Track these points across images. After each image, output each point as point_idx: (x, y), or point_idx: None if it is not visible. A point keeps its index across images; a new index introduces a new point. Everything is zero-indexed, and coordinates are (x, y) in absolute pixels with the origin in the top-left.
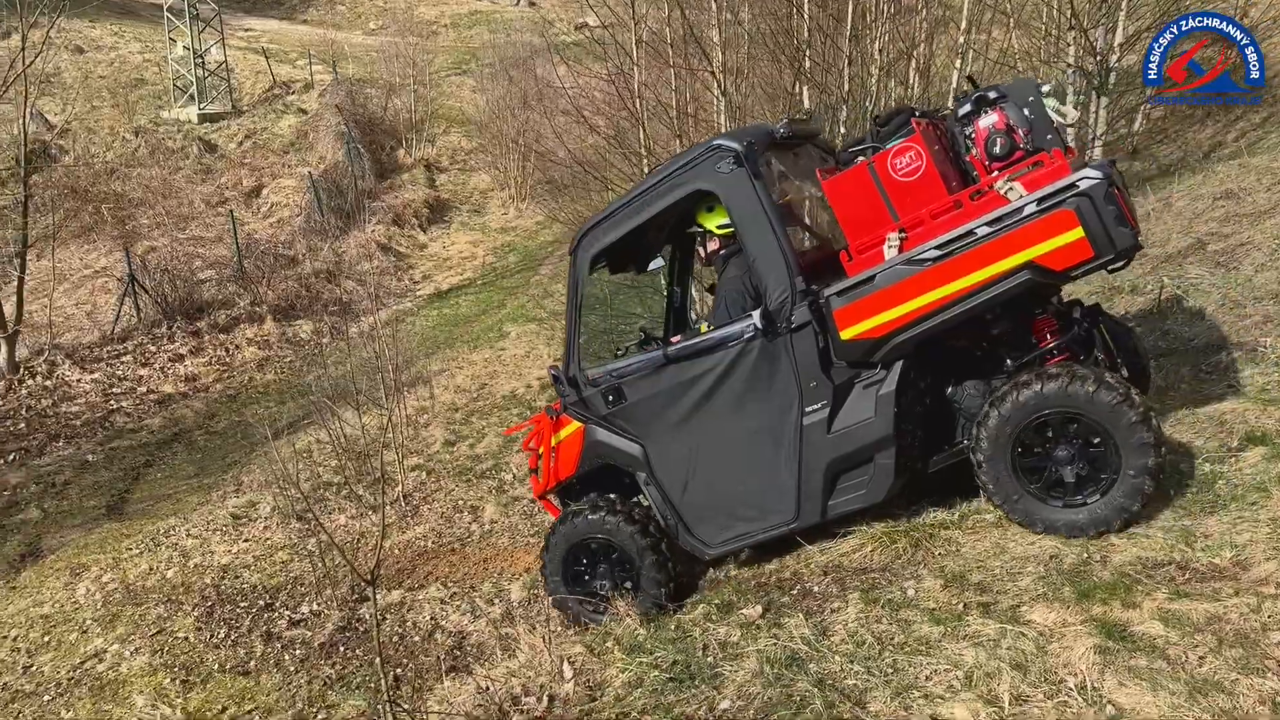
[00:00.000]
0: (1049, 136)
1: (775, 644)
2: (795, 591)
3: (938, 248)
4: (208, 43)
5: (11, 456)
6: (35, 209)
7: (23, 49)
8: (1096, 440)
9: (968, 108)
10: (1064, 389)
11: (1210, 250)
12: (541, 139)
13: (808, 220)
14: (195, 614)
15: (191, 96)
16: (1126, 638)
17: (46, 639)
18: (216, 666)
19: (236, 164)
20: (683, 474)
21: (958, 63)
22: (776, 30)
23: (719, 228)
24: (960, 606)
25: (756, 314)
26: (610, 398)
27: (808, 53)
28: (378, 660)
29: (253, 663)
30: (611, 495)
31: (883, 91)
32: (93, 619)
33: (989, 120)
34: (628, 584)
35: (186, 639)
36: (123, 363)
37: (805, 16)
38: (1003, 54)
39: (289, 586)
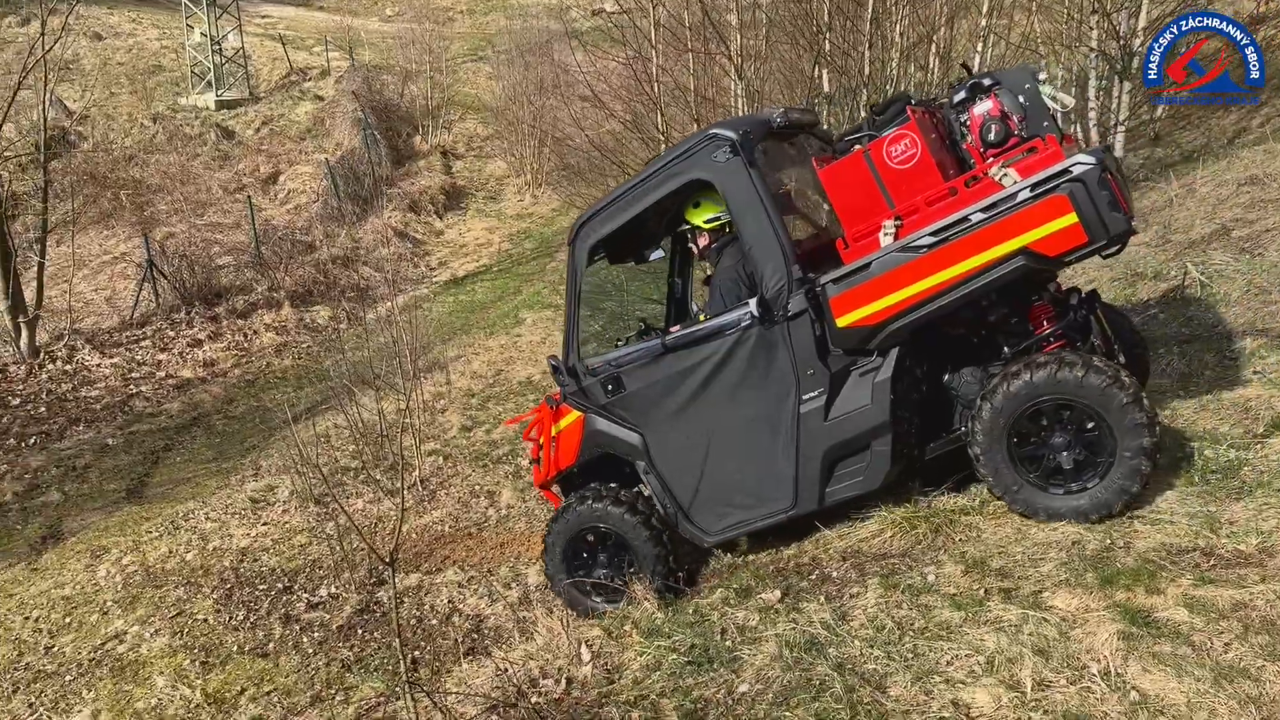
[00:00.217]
0: (1045, 124)
1: (794, 628)
2: (814, 576)
3: (932, 234)
4: (225, 29)
5: (32, 440)
6: (55, 195)
7: (42, 35)
8: (1091, 425)
9: (962, 95)
10: (1053, 376)
11: (1235, 236)
12: (558, 125)
13: (805, 209)
14: (214, 596)
15: (209, 83)
16: (1150, 624)
17: (68, 620)
18: (235, 648)
19: (254, 150)
20: (682, 462)
21: (979, 46)
22: (796, 14)
23: (706, 222)
24: (981, 592)
25: (753, 302)
26: (609, 387)
27: (828, 36)
28: (397, 641)
29: (271, 645)
30: (612, 484)
31: (903, 76)
32: (113, 601)
33: (984, 107)
34: (628, 573)
35: (206, 621)
36: (142, 348)
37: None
38: (1024, 38)
39: (307, 570)
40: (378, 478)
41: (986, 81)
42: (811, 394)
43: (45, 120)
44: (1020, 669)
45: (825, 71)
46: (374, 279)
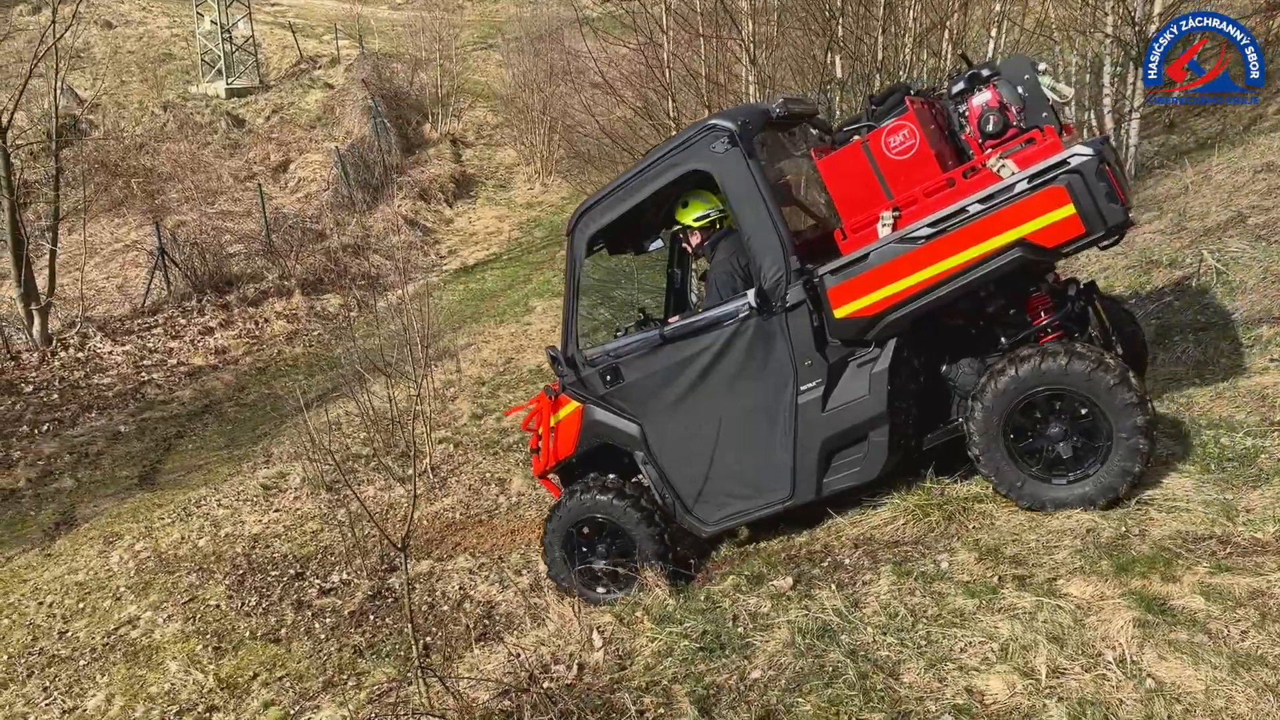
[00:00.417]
0: (1044, 114)
1: (806, 615)
2: (826, 564)
3: (930, 225)
4: (235, 17)
5: (45, 427)
6: (66, 183)
7: (53, 23)
8: (1084, 411)
9: (961, 85)
10: (1038, 368)
11: (1251, 223)
12: (567, 113)
13: (804, 200)
14: (227, 582)
15: (219, 71)
16: (1166, 611)
17: (81, 605)
18: (248, 634)
19: (264, 139)
20: (680, 453)
21: (993, 32)
22: None
23: (695, 220)
24: (995, 579)
25: (751, 293)
26: (608, 378)
27: (840, 21)
28: (409, 626)
29: (283, 630)
30: (611, 475)
31: (915, 62)
32: (126, 586)
33: (982, 98)
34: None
35: (218, 607)
36: (153, 335)
37: None
38: (1039, 23)
39: (319, 556)
40: (389, 465)
41: (985, 72)
42: (809, 385)
43: (57, 108)
44: (1034, 656)
45: (838, 57)
46: (384, 267)
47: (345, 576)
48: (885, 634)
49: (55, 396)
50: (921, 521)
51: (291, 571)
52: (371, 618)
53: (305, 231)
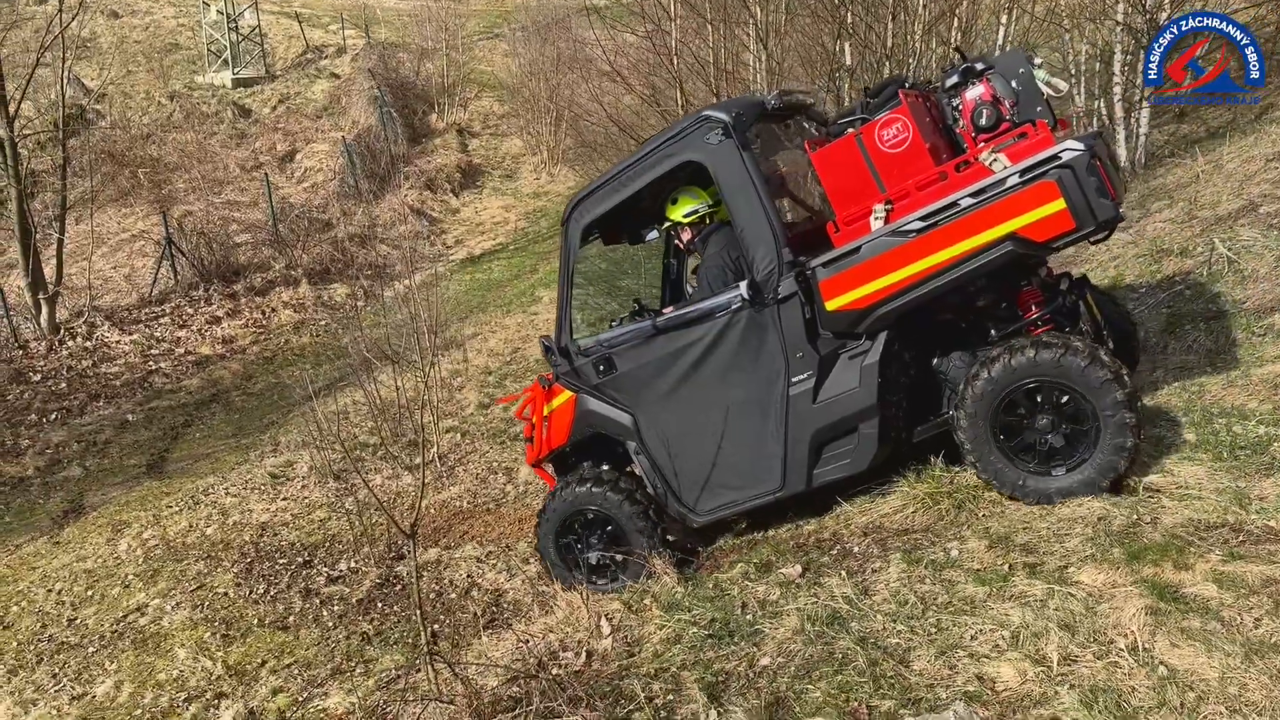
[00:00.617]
0: (1039, 109)
1: (816, 602)
2: (835, 552)
3: (921, 219)
4: (241, 7)
5: (53, 415)
6: (73, 173)
7: (60, 12)
8: (1065, 399)
9: (955, 79)
10: (1008, 366)
11: (1262, 212)
12: (574, 103)
13: (799, 191)
14: (235, 570)
15: (225, 61)
16: (1178, 599)
17: (90, 593)
18: (256, 621)
19: (270, 129)
20: (672, 443)
21: (1003, 19)
22: None
23: (685, 216)
24: (1006, 567)
25: (744, 284)
26: (601, 368)
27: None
28: (418, 613)
29: (291, 618)
30: (604, 465)
31: (925, 50)
32: (134, 574)
33: (975, 92)
34: (614, 556)
35: (226, 594)
36: (161, 324)
37: None
38: (1049, 11)
39: (327, 544)
40: (396, 454)
41: (979, 66)
42: (800, 376)
43: (64, 98)
44: (1046, 643)
45: (847, 45)
46: (391, 257)
47: (353, 564)
48: (895, 621)
49: (63, 385)
50: (931, 509)
51: (299, 559)
52: (379, 605)
53: (312, 221)
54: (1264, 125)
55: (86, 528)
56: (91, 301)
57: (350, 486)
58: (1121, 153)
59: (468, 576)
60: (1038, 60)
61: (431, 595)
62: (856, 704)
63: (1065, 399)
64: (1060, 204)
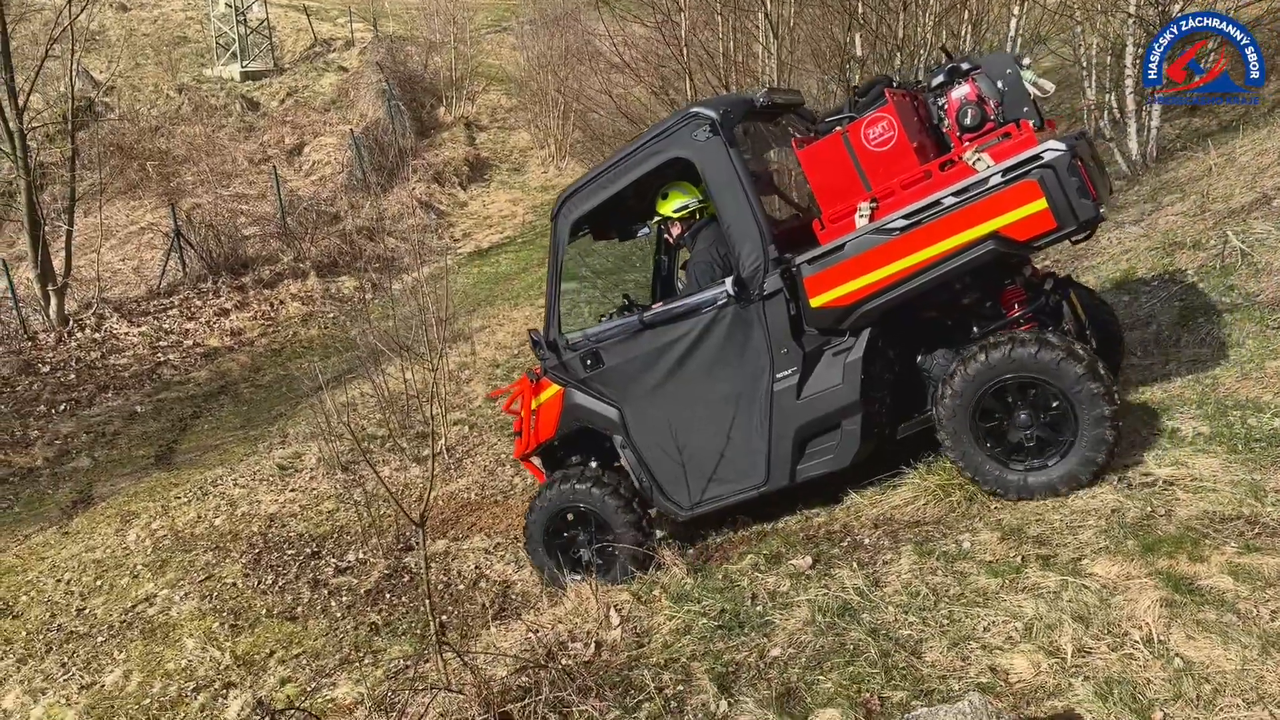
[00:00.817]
0: (1025, 109)
1: (826, 594)
2: (846, 544)
3: (905, 217)
4: (249, 0)
5: (62, 406)
6: (82, 165)
7: (68, 4)
8: (1033, 391)
9: (941, 79)
10: (985, 363)
11: (1276, 205)
12: (582, 96)
13: (786, 189)
14: (243, 561)
15: (234, 54)
16: (1194, 591)
17: (99, 583)
18: (264, 611)
19: (278, 121)
20: (658, 437)
21: (1015, 10)
22: None
23: (675, 212)
24: (1018, 559)
25: (729, 280)
26: (588, 362)
27: None
28: (427, 601)
29: (300, 608)
30: (592, 459)
31: (935, 43)
32: (143, 564)
33: (960, 91)
34: (606, 551)
35: (234, 585)
36: (169, 316)
37: None
38: (1061, 3)
39: (335, 535)
40: (403, 446)
41: (965, 66)
42: (785, 372)
43: (72, 90)
44: (1060, 635)
45: (858, 36)
46: (399, 250)
47: (361, 555)
48: (907, 613)
49: (72, 376)
50: (942, 501)
51: (308, 550)
52: (387, 596)
53: (320, 214)
54: (1277, 118)
55: (95, 518)
56: (100, 293)
57: (358, 478)
58: (1133, 146)
59: (476, 568)
60: (1026, 61)
61: (439, 586)
62: (869, 695)
63: (1043, 394)
64: (1042, 203)
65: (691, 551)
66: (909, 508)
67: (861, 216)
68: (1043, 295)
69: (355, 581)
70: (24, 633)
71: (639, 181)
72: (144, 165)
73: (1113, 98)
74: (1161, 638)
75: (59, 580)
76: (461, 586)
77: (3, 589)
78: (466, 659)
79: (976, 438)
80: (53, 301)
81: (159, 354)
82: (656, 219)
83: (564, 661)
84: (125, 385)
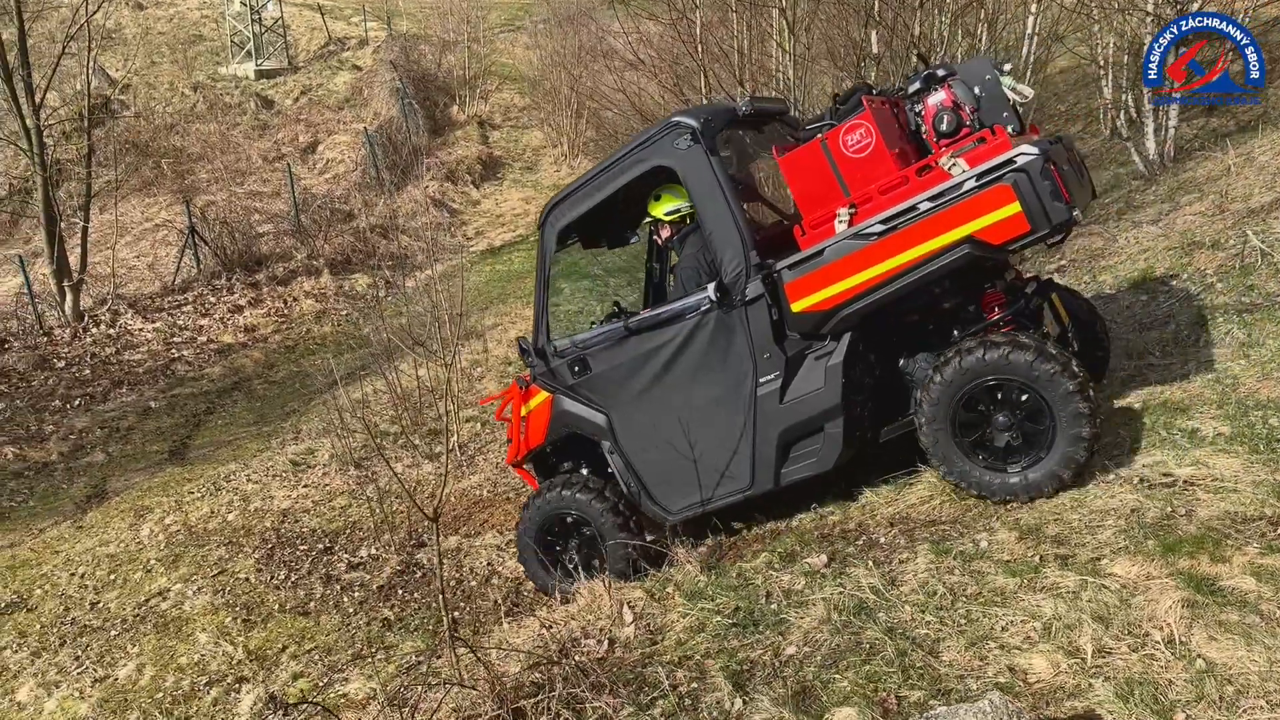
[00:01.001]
0: (1005, 114)
1: (842, 592)
2: (861, 542)
3: (882, 222)
4: None
5: (77, 401)
6: (98, 162)
7: (85, 1)
8: (1010, 393)
9: (917, 85)
10: (959, 368)
11: None
12: (595, 94)
13: (770, 196)
14: (256, 556)
15: (248, 52)
16: (1216, 592)
17: (112, 577)
18: (277, 606)
19: (293, 120)
20: (645, 442)
21: (1033, 7)
22: None
23: (666, 214)
24: (1036, 559)
25: (711, 286)
26: (576, 368)
27: None
28: (440, 596)
29: (312, 604)
30: (583, 466)
31: (952, 41)
32: (156, 559)
33: (936, 98)
34: (595, 558)
35: (247, 580)
36: (183, 313)
37: None
38: (1079, 2)
39: (347, 531)
40: (416, 443)
41: (940, 72)
42: (768, 377)
43: (89, 88)
44: (1079, 635)
45: (874, 33)
46: (411, 248)
47: (373, 551)
48: (924, 612)
49: (87, 372)
50: (959, 501)
51: (320, 546)
52: (400, 592)
53: (333, 212)
54: None
55: (109, 513)
56: (115, 289)
57: (371, 474)
58: (1150, 146)
59: (488, 564)
60: (1007, 67)
61: (452, 583)
62: (885, 694)
63: (1021, 395)
64: (1015, 207)
65: (704, 549)
66: (925, 506)
67: (841, 222)
68: (1022, 298)
69: (367, 577)
70: (38, 626)
71: (626, 189)
72: (159, 163)
73: (1129, 97)
74: (1183, 639)
75: (73, 574)
76: (474, 583)
77: (18, 582)
78: (480, 653)
79: (957, 442)
80: (68, 297)
81: (173, 350)
82: (647, 220)
83: (577, 658)
84: (139, 381)
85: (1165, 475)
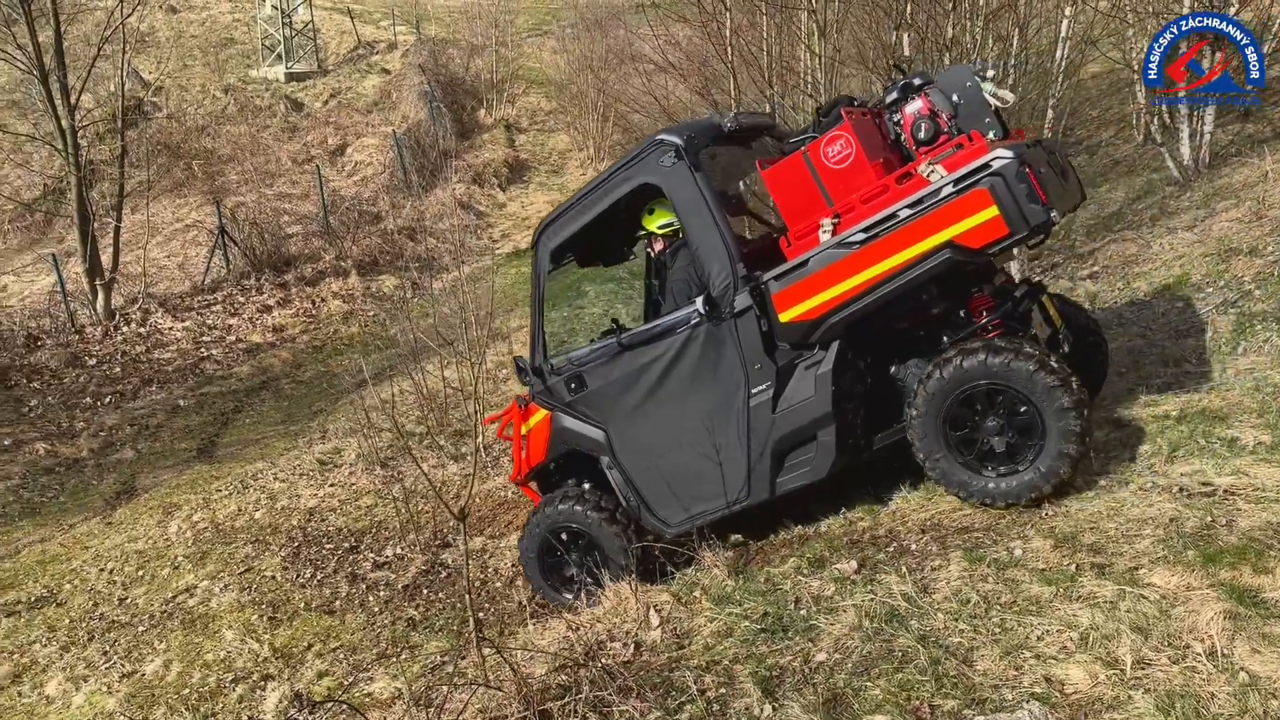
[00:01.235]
0: (987, 120)
1: (873, 599)
2: (892, 549)
3: (864, 231)
4: (294, 2)
5: (108, 399)
6: (130, 163)
7: (119, 4)
8: (997, 396)
9: (894, 95)
10: (950, 373)
11: None
12: (623, 97)
13: (758, 209)
14: (282, 554)
15: (279, 56)
16: (1259, 604)
17: (140, 573)
18: (303, 605)
19: (322, 122)
20: (642, 456)
21: (1067, 10)
22: None
23: (659, 228)
24: (1073, 567)
25: (700, 300)
26: (573, 385)
27: None
28: (467, 595)
29: (338, 602)
30: (586, 481)
31: (984, 45)
32: (184, 556)
33: (914, 106)
34: (595, 568)
35: (274, 578)
36: (212, 312)
37: None
38: (1114, 6)
39: (373, 530)
40: (441, 444)
41: (917, 81)
42: (760, 387)
43: (123, 90)
44: (1118, 646)
45: (905, 36)
46: (438, 250)
47: (399, 551)
48: (957, 620)
49: (117, 370)
50: (992, 509)
51: (346, 545)
52: (425, 592)
53: (361, 214)
54: None
55: (138, 509)
56: (146, 288)
57: (397, 474)
58: (1185, 151)
59: (513, 566)
60: (989, 73)
61: (477, 583)
62: (918, 702)
63: (1005, 398)
64: (993, 210)
65: (730, 554)
66: (957, 513)
67: (825, 232)
68: (1009, 302)
69: (393, 576)
70: (67, 620)
71: (616, 207)
72: (190, 164)
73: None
74: (1225, 651)
75: (102, 570)
76: (498, 584)
77: (47, 577)
78: (505, 654)
79: (949, 448)
80: (100, 296)
81: (202, 349)
82: (641, 233)
83: (603, 661)
84: (169, 379)
85: (1204, 484)
